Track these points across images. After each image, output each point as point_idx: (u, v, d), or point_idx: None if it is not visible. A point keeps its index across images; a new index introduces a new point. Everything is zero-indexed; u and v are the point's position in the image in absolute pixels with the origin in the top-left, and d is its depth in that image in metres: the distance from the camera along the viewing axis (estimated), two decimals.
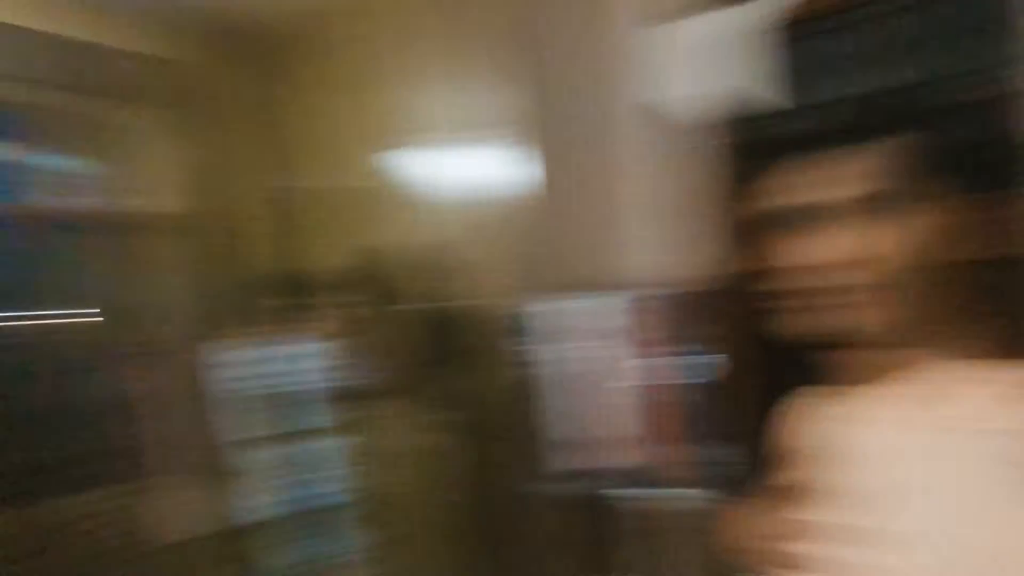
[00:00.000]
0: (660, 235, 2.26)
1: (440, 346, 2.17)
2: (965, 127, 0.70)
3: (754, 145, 1.83)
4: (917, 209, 0.61)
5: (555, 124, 2.07)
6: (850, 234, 0.62)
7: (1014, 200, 0.64)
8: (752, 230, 0.71)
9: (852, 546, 0.68)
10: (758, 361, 1.71)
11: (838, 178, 0.63)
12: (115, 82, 2.18)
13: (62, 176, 2.21)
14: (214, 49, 2.38)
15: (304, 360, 2.20)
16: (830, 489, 0.73)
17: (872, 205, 0.61)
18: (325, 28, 2.39)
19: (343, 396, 2.18)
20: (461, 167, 2.20)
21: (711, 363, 1.75)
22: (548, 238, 1.95)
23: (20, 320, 2.25)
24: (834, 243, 0.62)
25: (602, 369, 1.84)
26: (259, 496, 2.13)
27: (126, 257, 2.25)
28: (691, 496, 1.80)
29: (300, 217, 2.54)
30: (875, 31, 1.61)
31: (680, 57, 1.97)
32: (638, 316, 1.85)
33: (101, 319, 2.20)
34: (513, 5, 1.99)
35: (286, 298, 2.32)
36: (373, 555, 2.15)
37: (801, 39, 1.64)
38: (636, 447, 1.88)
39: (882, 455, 0.68)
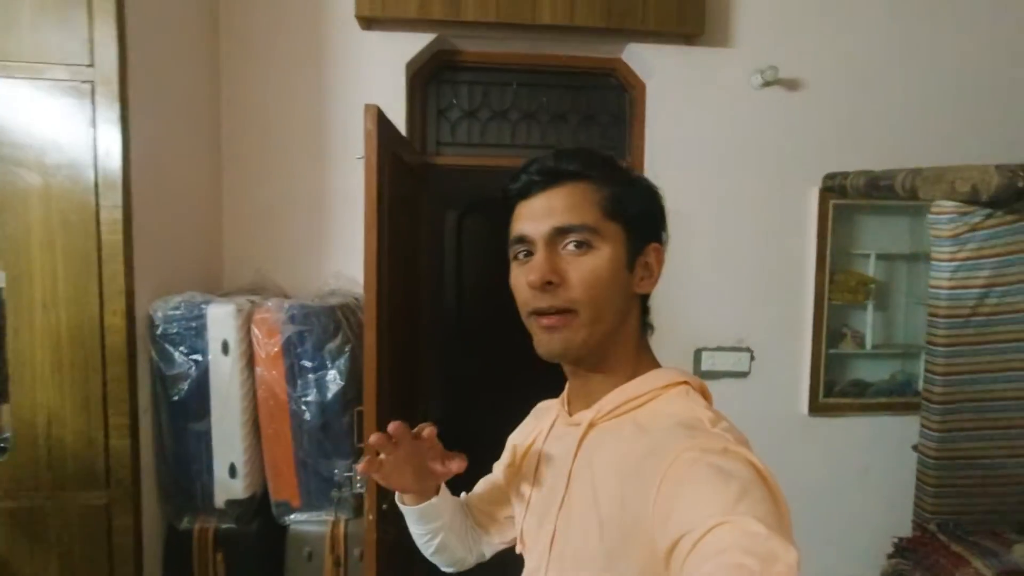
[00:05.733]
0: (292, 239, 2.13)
1: None
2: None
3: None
4: (603, 245, 0.70)
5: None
6: (548, 260, 0.69)
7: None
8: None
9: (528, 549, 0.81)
10: (393, 377, 1.67)
11: (538, 212, 0.71)
12: None
13: None
14: None
15: None
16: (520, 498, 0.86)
17: (563, 238, 0.70)
18: None
19: None
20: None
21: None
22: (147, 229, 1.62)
23: None
24: (532, 269, 0.70)
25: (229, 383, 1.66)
26: None
27: None
28: (315, 520, 1.75)
29: None
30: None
31: None
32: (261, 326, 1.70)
33: None
34: None
35: None
36: None
37: None
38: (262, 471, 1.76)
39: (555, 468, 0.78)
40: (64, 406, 1.52)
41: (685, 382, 0.72)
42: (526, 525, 0.81)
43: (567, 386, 0.81)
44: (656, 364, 0.77)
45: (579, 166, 0.72)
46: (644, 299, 0.77)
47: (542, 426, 0.85)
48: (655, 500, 0.57)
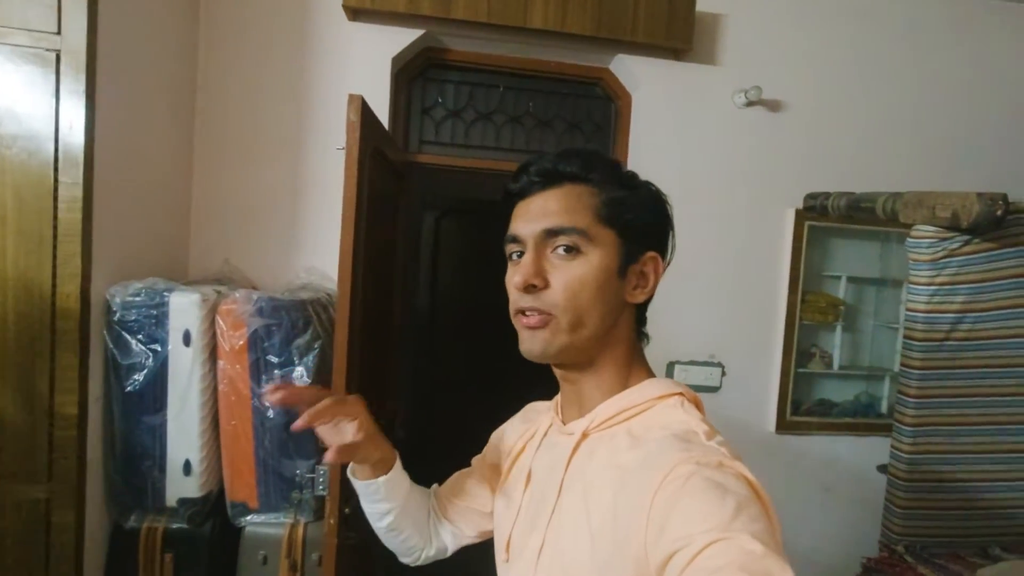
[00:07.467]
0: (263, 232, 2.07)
1: None
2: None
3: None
4: (592, 251, 0.68)
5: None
6: (534, 263, 0.69)
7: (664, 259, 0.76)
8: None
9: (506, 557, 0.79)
10: (363, 376, 1.64)
11: (532, 213, 0.71)
12: None
13: None
14: None
15: None
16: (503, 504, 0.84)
17: (553, 240, 0.69)
18: None
19: None
20: None
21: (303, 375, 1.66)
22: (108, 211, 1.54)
23: None
24: (518, 270, 0.70)
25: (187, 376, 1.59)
26: None
27: None
28: (273, 522, 1.68)
29: None
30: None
31: None
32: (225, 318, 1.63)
33: None
34: None
35: None
36: None
37: None
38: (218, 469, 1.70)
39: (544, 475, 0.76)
40: (6, 393, 1.42)
41: (680, 393, 0.70)
42: (514, 534, 0.78)
43: (560, 392, 0.80)
44: (650, 374, 0.75)
45: (578, 168, 0.71)
46: (640, 308, 0.75)
47: (534, 431, 0.83)
48: (649, 513, 0.56)
